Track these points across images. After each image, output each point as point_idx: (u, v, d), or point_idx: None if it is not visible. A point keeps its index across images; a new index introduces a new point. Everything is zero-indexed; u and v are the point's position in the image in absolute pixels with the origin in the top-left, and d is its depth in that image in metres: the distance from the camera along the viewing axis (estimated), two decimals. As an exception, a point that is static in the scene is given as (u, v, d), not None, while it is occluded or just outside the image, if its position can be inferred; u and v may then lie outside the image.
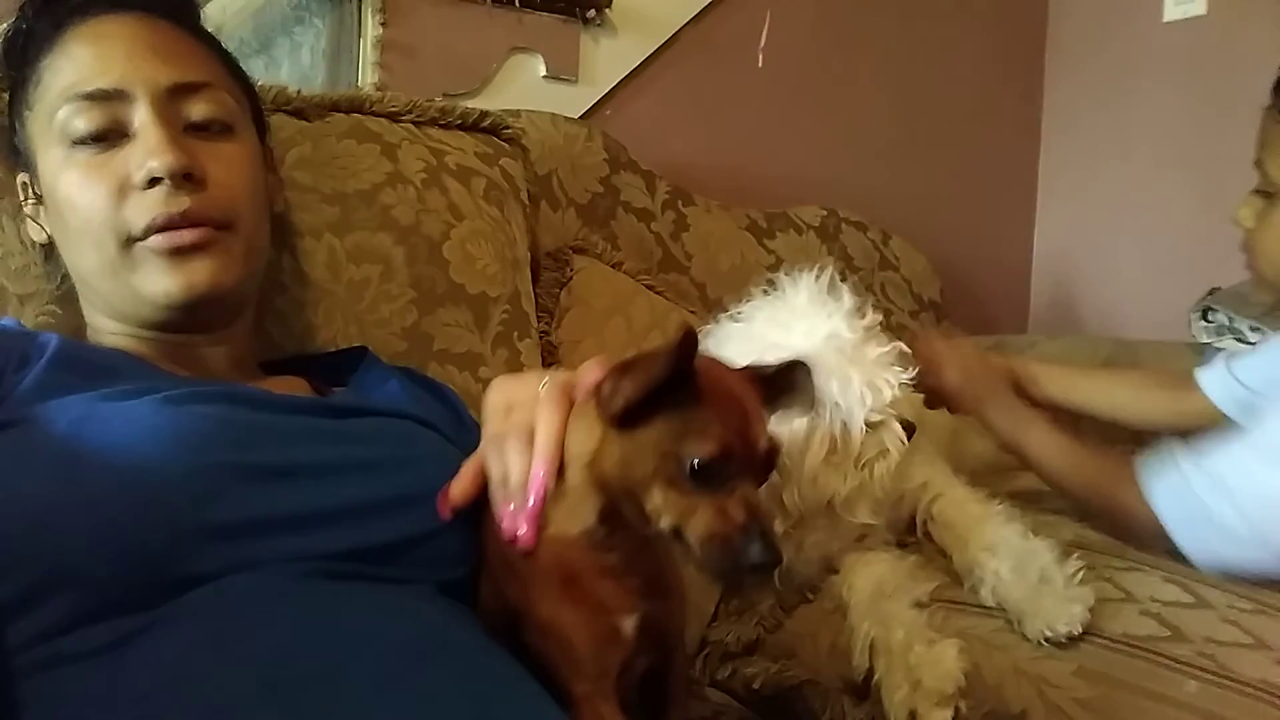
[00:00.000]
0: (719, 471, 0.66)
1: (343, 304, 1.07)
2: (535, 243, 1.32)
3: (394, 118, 1.19)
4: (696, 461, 0.65)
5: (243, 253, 0.86)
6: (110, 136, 0.81)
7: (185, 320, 0.84)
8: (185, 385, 0.77)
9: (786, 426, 0.94)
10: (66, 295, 0.92)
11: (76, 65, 0.81)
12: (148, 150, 0.80)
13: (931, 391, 1.15)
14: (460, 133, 1.24)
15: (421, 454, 0.82)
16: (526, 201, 1.29)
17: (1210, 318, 1.66)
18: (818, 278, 1.04)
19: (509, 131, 1.30)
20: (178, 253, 0.81)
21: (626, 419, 0.67)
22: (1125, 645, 0.89)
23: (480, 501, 0.78)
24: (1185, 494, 0.95)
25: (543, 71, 1.59)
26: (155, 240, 0.80)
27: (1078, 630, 0.90)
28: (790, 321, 1.02)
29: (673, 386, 0.66)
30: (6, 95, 0.88)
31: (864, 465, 1.00)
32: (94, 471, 0.67)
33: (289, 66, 1.45)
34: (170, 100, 0.82)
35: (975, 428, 1.22)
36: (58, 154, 0.81)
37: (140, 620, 0.63)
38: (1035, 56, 2.23)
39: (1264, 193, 1.11)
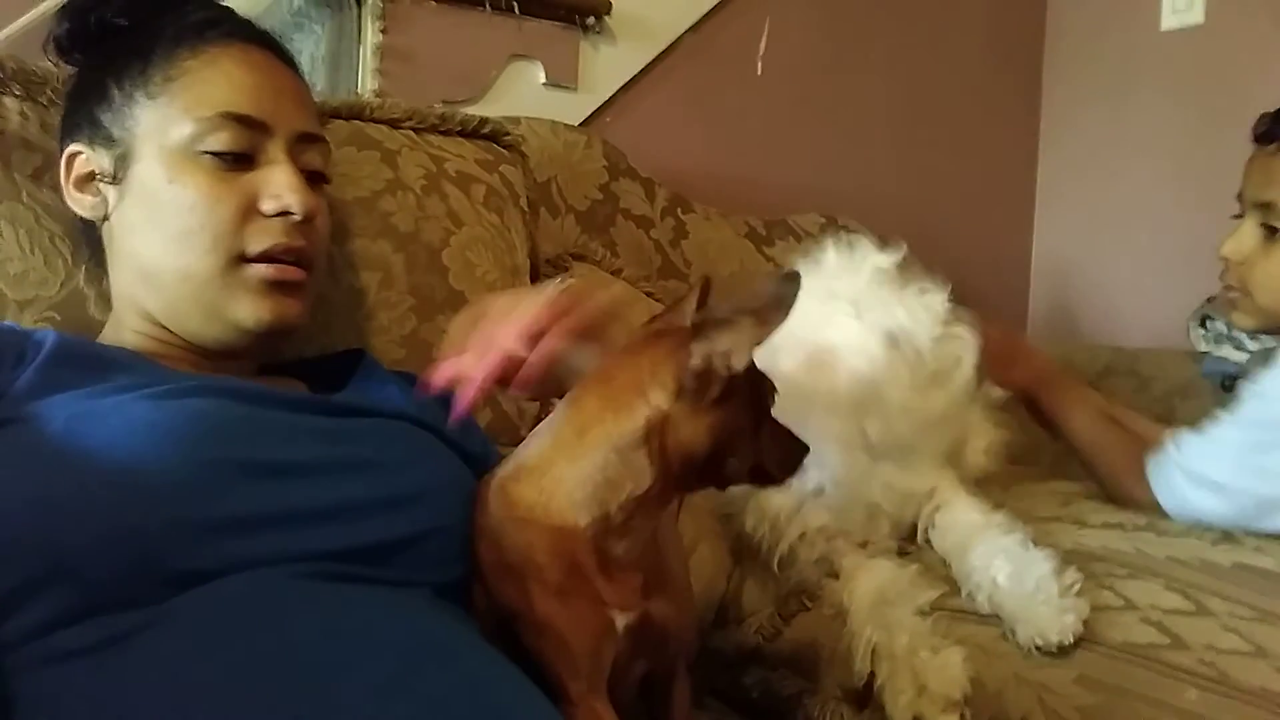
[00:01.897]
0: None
1: (341, 311, 1.06)
2: (535, 250, 1.31)
3: (394, 125, 1.19)
4: (773, 399, 0.71)
5: (313, 295, 0.92)
6: (240, 158, 0.84)
7: (248, 346, 0.87)
8: (184, 380, 0.78)
9: (864, 363, 1.01)
10: (67, 300, 0.92)
11: (231, 84, 0.85)
12: (287, 186, 0.85)
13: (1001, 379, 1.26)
14: (460, 140, 1.24)
15: (419, 454, 0.82)
16: (526, 208, 1.29)
17: (1209, 325, 1.66)
18: (836, 243, 1.13)
19: (509, 138, 1.30)
20: (279, 286, 0.85)
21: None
22: (1126, 653, 0.89)
23: (472, 504, 0.78)
24: (1173, 480, 1.11)
25: (542, 79, 1.60)
26: (265, 269, 0.84)
27: (1069, 640, 0.90)
28: (829, 277, 1.09)
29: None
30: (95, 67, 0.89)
31: (946, 379, 1.06)
32: (90, 467, 0.67)
33: (289, 73, 1.45)
34: (298, 145, 0.88)
35: (982, 433, 1.25)
36: (179, 151, 0.83)
37: (136, 618, 0.63)
38: (1033, 64, 2.24)
39: (1269, 226, 1.17)
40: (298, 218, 0.85)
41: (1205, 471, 1.09)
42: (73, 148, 0.88)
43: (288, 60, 0.93)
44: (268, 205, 0.84)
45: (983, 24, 2.14)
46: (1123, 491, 1.17)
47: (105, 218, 0.87)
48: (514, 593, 0.72)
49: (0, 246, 0.90)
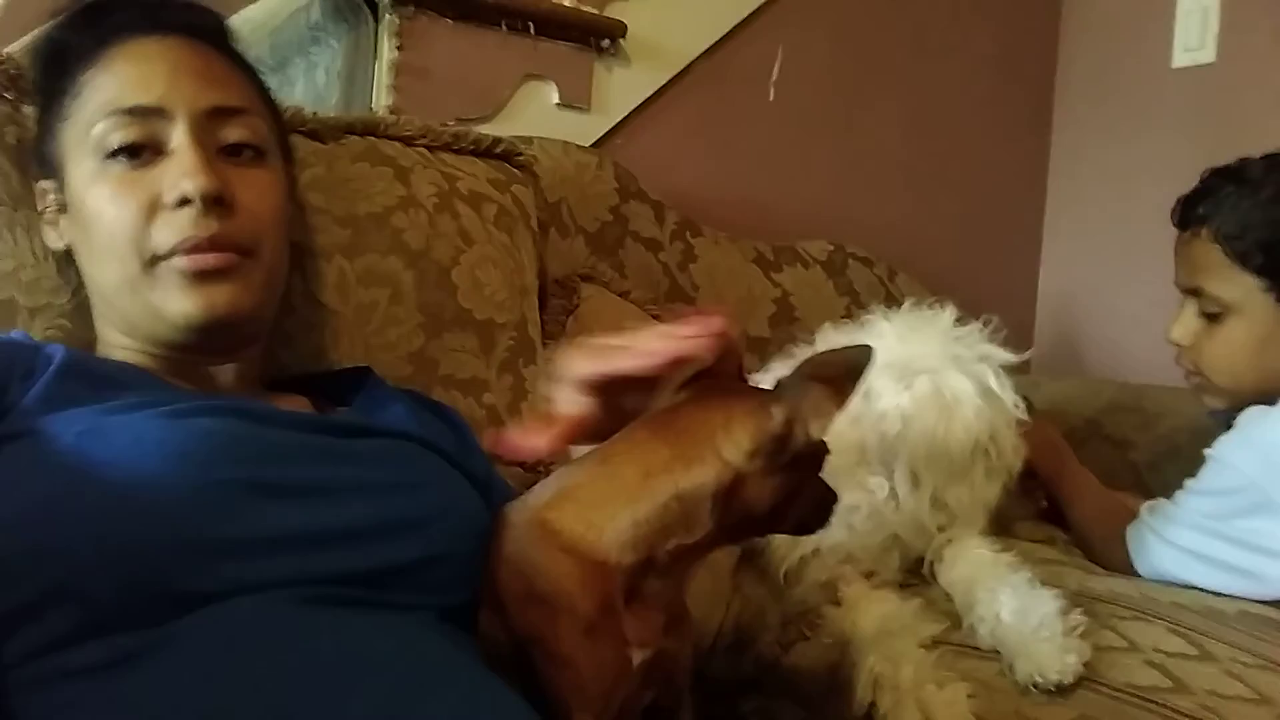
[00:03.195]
0: None
1: (350, 327, 1.07)
2: (543, 270, 1.32)
3: (407, 142, 1.19)
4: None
5: (263, 280, 0.86)
6: (145, 153, 0.81)
7: (200, 342, 0.84)
8: (192, 399, 0.77)
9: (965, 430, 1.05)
10: (78, 309, 0.91)
11: (119, 81, 0.82)
12: (182, 171, 0.80)
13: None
14: (473, 158, 1.25)
15: (426, 477, 0.81)
16: (536, 228, 1.29)
17: (1214, 364, 1.65)
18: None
19: (521, 158, 1.30)
20: (200, 276, 0.81)
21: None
22: (1128, 695, 0.89)
23: (486, 529, 0.78)
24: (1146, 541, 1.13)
25: (555, 99, 1.60)
26: (179, 261, 0.80)
27: (1069, 680, 0.89)
28: (930, 337, 1.13)
29: None
30: (37, 104, 0.89)
31: (1008, 474, 1.09)
32: (99, 486, 0.67)
33: (304, 87, 1.46)
34: (208, 122, 0.83)
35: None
36: (91, 166, 0.82)
37: (141, 639, 0.63)
38: (1044, 99, 2.25)
39: (1205, 313, 1.20)
40: (197, 203, 0.79)
41: (1176, 538, 1.10)
42: (40, 184, 0.88)
43: (209, 38, 0.88)
44: (167, 196, 0.80)
45: (994, 56, 2.14)
46: (1099, 554, 1.19)
47: (69, 247, 0.87)
48: (540, 623, 0.70)
49: (14, 253, 0.91)
